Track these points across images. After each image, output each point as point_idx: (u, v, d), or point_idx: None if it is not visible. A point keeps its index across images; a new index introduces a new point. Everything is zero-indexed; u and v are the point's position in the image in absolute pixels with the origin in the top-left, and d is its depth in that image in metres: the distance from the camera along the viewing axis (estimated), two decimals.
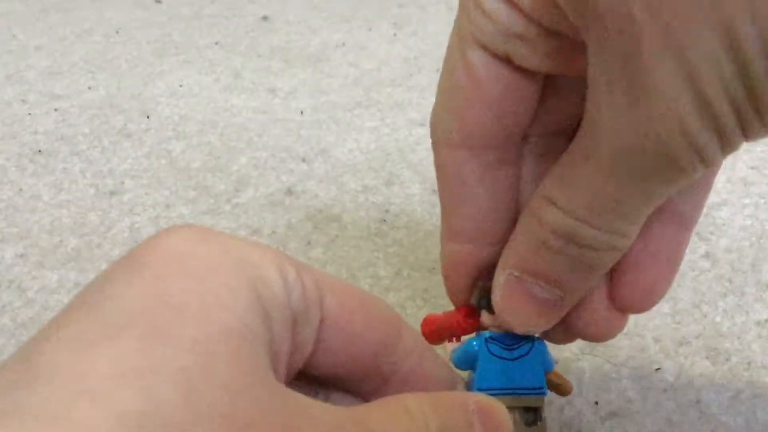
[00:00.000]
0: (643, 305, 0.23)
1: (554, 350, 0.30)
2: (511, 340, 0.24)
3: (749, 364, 0.30)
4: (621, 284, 0.22)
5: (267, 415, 0.14)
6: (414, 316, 0.33)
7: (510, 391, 0.24)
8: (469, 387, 0.24)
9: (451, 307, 0.26)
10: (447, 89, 0.21)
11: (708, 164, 0.16)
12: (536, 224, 0.20)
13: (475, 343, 0.24)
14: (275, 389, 0.15)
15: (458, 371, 0.24)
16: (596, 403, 0.28)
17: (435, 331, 0.26)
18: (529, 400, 0.24)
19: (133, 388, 0.13)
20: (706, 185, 0.22)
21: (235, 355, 0.15)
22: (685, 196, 0.21)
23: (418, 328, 0.26)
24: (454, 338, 0.25)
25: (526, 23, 0.18)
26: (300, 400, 0.16)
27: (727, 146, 0.16)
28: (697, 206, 0.22)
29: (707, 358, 0.30)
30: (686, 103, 0.15)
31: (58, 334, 0.14)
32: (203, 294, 0.15)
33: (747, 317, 0.32)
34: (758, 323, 0.32)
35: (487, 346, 0.24)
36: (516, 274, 0.21)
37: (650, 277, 0.22)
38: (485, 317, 0.24)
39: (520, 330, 0.23)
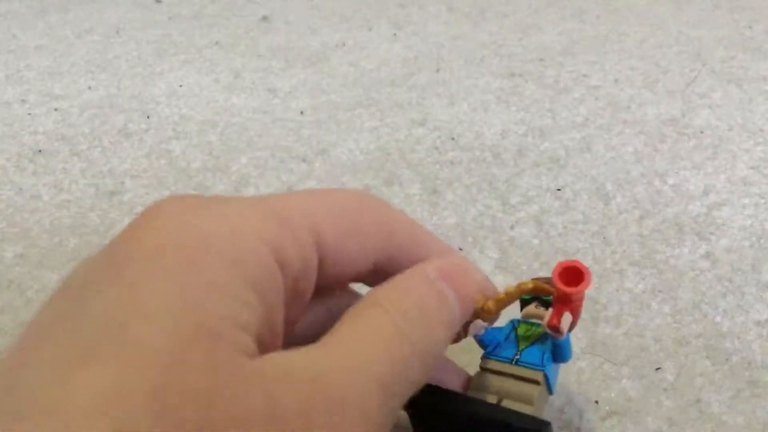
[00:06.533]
0: None
1: None
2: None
3: (749, 364, 0.30)
4: None
5: (244, 413, 0.14)
6: None
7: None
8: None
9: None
10: None
11: None
12: None
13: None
14: (253, 382, 0.15)
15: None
16: (596, 402, 0.28)
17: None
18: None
19: (107, 419, 0.13)
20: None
21: (210, 356, 0.15)
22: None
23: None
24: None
25: None
26: (278, 382, 0.16)
27: None
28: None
29: (707, 357, 0.30)
30: None
31: (38, 356, 0.15)
32: (179, 295, 0.15)
33: (747, 317, 0.32)
34: (758, 323, 0.32)
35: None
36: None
37: None
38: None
39: None
